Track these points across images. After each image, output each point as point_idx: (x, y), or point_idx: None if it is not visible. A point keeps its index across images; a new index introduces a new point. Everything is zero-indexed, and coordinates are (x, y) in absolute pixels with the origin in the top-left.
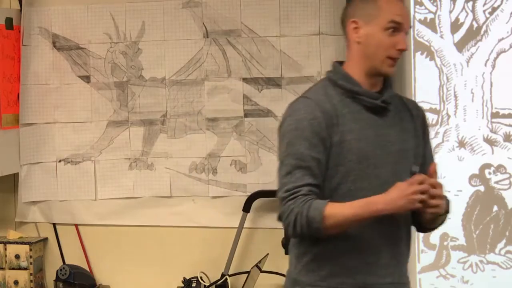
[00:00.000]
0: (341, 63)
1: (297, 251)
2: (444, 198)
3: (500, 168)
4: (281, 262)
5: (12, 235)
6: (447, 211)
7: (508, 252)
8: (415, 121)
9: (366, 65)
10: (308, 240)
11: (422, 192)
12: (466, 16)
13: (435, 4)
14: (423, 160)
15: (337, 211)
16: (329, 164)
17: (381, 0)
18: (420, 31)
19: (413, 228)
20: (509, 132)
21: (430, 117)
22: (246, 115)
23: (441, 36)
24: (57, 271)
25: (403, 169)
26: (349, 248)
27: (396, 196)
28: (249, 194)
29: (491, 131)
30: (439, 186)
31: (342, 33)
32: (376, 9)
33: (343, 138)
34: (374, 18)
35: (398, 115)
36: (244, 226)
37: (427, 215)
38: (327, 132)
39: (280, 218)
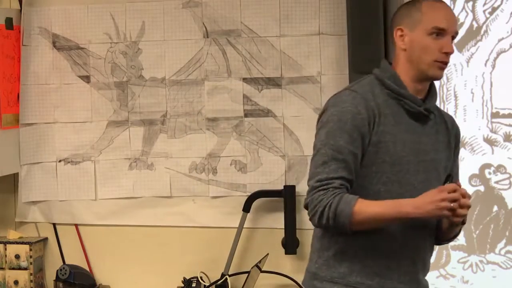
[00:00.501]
0: (390, 63)
1: (319, 245)
2: None
3: (500, 168)
4: (281, 262)
5: (12, 235)
6: (463, 222)
7: (508, 252)
8: (449, 134)
9: (413, 70)
10: (332, 236)
11: (453, 201)
12: (466, 16)
13: None
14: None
15: (366, 208)
16: (363, 162)
17: (425, 6)
18: None
19: None
20: (509, 132)
21: None
22: (246, 115)
23: None
24: (57, 271)
25: (433, 179)
26: (372, 249)
27: (426, 201)
28: (249, 194)
29: (491, 131)
30: (468, 196)
31: (342, 33)
32: (420, 15)
33: (382, 138)
34: (418, 24)
35: (436, 126)
36: (244, 226)
37: (446, 223)
38: (368, 129)
39: (306, 207)
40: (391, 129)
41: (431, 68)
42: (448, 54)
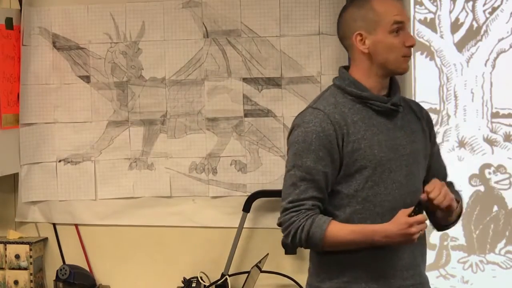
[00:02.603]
0: (345, 68)
1: (318, 260)
2: (456, 193)
3: (500, 168)
4: (281, 262)
5: (12, 235)
6: (461, 208)
7: (508, 252)
8: (421, 122)
9: (379, 70)
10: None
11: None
12: (466, 16)
13: (435, 4)
14: (430, 160)
15: (338, 232)
16: (344, 173)
17: (377, 5)
18: (420, 31)
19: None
20: (509, 132)
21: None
22: (246, 115)
23: (441, 36)
24: (57, 271)
25: (416, 171)
26: (371, 252)
27: (395, 233)
28: (249, 194)
29: (491, 131)
30: (445, 195)
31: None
32: (376, 16)
33: (356, 146)
34: (377, 24)
35: (406, 117)
36: (244, 226)
37: (440, 213)
38: (336, 144)
39: (280, 225)
40: (364, 134)
41: (400, 64)
42: (411, 47)
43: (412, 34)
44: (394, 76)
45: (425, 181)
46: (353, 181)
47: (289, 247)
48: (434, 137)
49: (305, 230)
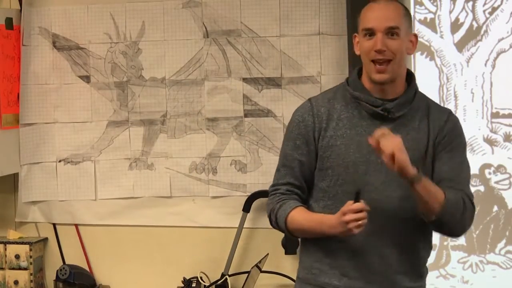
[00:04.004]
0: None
1: (301, 248)
2: (448, 192)
3: (500, 168)
4: (281, 262)
5: (12, 235)
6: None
7: (508, 252)
8: (430, 130)
9: (367, 73)
10: (306, 240)
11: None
12: (466, 16)
13: (435, 4)
14: (436, 166)
15: (296, 219)
16: (318, 166)
17: (364, 9)
18: (420, 31)
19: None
20: (509, 132)
21: None
22: (246, 115)
23: (441, 36)
24: (57, 271)
25: (396, 178)
26: (337, 250)
27: (335, 223)
28: (249, 194)
29: (491, 131)
30: (394, 145)
31: (342, 33)
32: (360, 19)
33: (332, 142)
34: (358, 28)
35: (410, 124)
36: (244, 226)
37: (420, 206)
38: (313, 134)
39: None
40: (345, 132)
41: (371, 71)
42: (379, 51)
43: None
44: (413, 82)
45: None
46: (326, 177)
47: (289, 247)
48: (448, 145)
49: (274, 213)
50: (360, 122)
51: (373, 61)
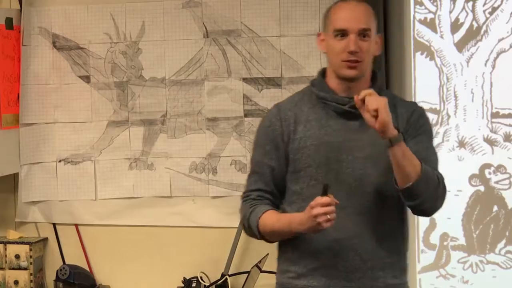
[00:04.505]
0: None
1: (277, 254)
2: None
3: (500, 168)
4: None
5: (12, 235)
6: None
7: (508, 252)
8: (398, 122)
9: (334, 72)
10: (281, 244)
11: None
12: (466, 16)
13: (435, 4)
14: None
15: (267, 222)
16: (290, 169)
17: (333, 8)
18: (420, 31)
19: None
20: (509, 132)
21: (430, 117)
22: (246, 115)
23: (441, 36)
24: (57, 271)
25: (373, 173)
26: (315, 251)
27: (304, 219)
28: None
29: (491, 131)
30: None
31: None
32: (329, 19)
33: (303, 144)
34: (327, 27)
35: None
36: None
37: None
38: (281, 139)
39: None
40: (314, 133)
41: (341, 69)
42: (352, 53)
43: (412, 34)
44: (375, 77)
45: None
46: (299, 179)
47: None
48: (415, 134)
49: (246, 219)
50: (328, 122)
51: (344, 61)
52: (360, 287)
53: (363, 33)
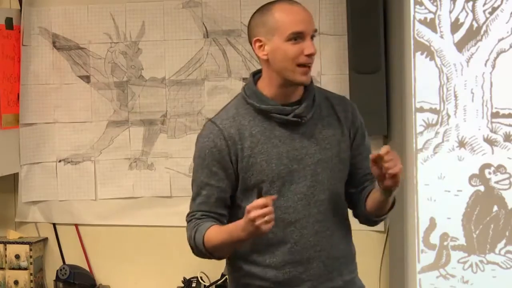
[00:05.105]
0: (260, 71)
1: (230, 269)
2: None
3: (500, 168)
4: None
5: (12, 235)
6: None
7: (508, 252)
8: (342, 125)
9: (279, 79)
10: (238, 258)
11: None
12: (466, 16)
13: (435, 4)
14: (357, 160)
15: (211, 236)
16: (240, 187)
17: (278, 11)
18: (420, 31)
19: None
20: (509, 132)
21: (430, 117)
22: None
23: (441, 36)
24: (57, 271)
25: (325, 179)
26: (276, 263)
27: (244, 225)
28: None
29: (491, 131)
30: (392, 158)
31: (342, 33)
32: (275, 22)
33: (252, 161)
34: (275, 31)
35: (320, 122)
36: None
37: (377, 196)
38: (229, 159)
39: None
40: (262, 148)
41: (295, 74)
42: (310, 56)
43: (412, 34)
44: (310, 83)
45: (352, 180)
46: (251, 196)
47: None
48: (362, 137)
49: (192, 239)
50: (273, 133)
51: (299, 65)
52: None
53: (313, 35)
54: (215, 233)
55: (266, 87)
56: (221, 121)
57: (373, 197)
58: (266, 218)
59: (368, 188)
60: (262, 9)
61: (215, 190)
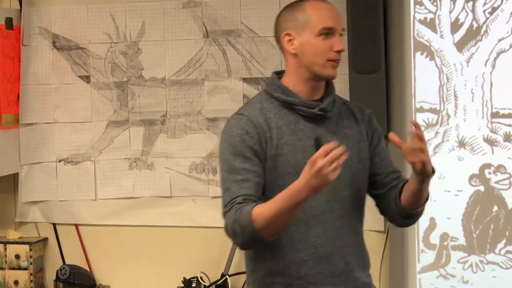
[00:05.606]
0: (281, 72)
1: (250, 268)
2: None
3: (500, 168)
4: None
5: (12, 235)
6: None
7: (508, 252)
8: (360, 126)
9: (307, 73)
10: (259, 257)
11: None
12: (466, 16)
13: (435, 4)
14: (376, 162)
15: (263, 209)
16: (266, 178)
17: (309, 7)
18: (420, 31)
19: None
20: (509, 132)
21: (430, 117)
22: None
23: (441, 36)
24: (57, 271)
25: (345, 176)
26: (301, 261)
27: (308, 178)
28: None
29: (491, 131)
30: (420, 140)
31: (342, 33)
32: (306, 17)
33: (279, 151)
34: (306, 26)
35: (341, 122)
36: None
37: (412, 185)
38: (260, 146)
39: (226, 231)
40: (288, 140)
41: (325, 69)
42: (339, 52)
43: (412, 34)
44: (330, 79)
45: (377, 183)
46: (275, 187)
47: None
48: (379, 139)
49: (237, 222)
50: (297, 126)
51: (330, 61)
52: None
53: (342, 34)
54: (266, 206)
55: (291, 82)
56: (248, 112)
57: (408, 189)
58: (334, 165)
59: (398, 186)
60: (293, 5)
61: (252, 174)
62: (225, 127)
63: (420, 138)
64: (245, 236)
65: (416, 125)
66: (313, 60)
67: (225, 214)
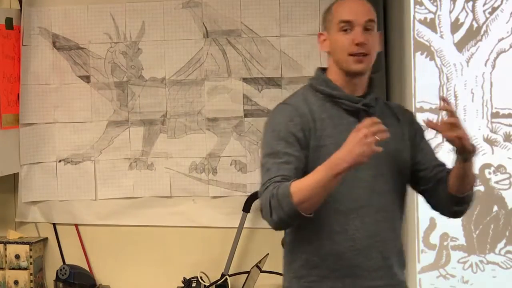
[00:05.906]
0: (324, 69)
1: (287, 259)
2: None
3: (500, 168)
4: (281, 262)
5: (12, 235)
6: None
7: (508, 252)
8: (402, 126)
9: (340, 69)
10: (297, 247)
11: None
12: (466, 16)
13: (435, 4)
14: (420, 158)
15: (302, 182)
16: (308, 168)
17: (335, 5)
18: (420, 31)
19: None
20: (509, 132)
21: (430, 117)
22: (246, 115)
23: (441, 36)
24: (57, 271)
25: (387, 172)
26: (338, 253)
27: (351, 146)
28: (249, 194)
29: (491, 131)
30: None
31: None
32: (331, 16)
33: (322, 143)
34: (331, 24)
35: (383, 120)
36: (244, 226)
37: (457, 169)
38: (303, 134)
39: (262, 215)
40: (331, 132)
41: (348, 63)
42: (360, 44)
43: (412, 34)
44: (372, 76)
45: (424, 178)
46: None
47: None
48: (423, 139)
49: (274, 198)
50: (340, 120)
51: (351, 55)
52: (382, 285)
53: (367, 26)
54: (305, 179)
55: (333, 78)
56: (294, 102)
57: (453, 173)
58: (377, 137)
59: (444, 176)
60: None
61: (293, 158)
62: (269, 115)
63: (452, 112)
64: (281, 211)
65: (446, 100)
66: (338, 56)
67: (262, 193)
